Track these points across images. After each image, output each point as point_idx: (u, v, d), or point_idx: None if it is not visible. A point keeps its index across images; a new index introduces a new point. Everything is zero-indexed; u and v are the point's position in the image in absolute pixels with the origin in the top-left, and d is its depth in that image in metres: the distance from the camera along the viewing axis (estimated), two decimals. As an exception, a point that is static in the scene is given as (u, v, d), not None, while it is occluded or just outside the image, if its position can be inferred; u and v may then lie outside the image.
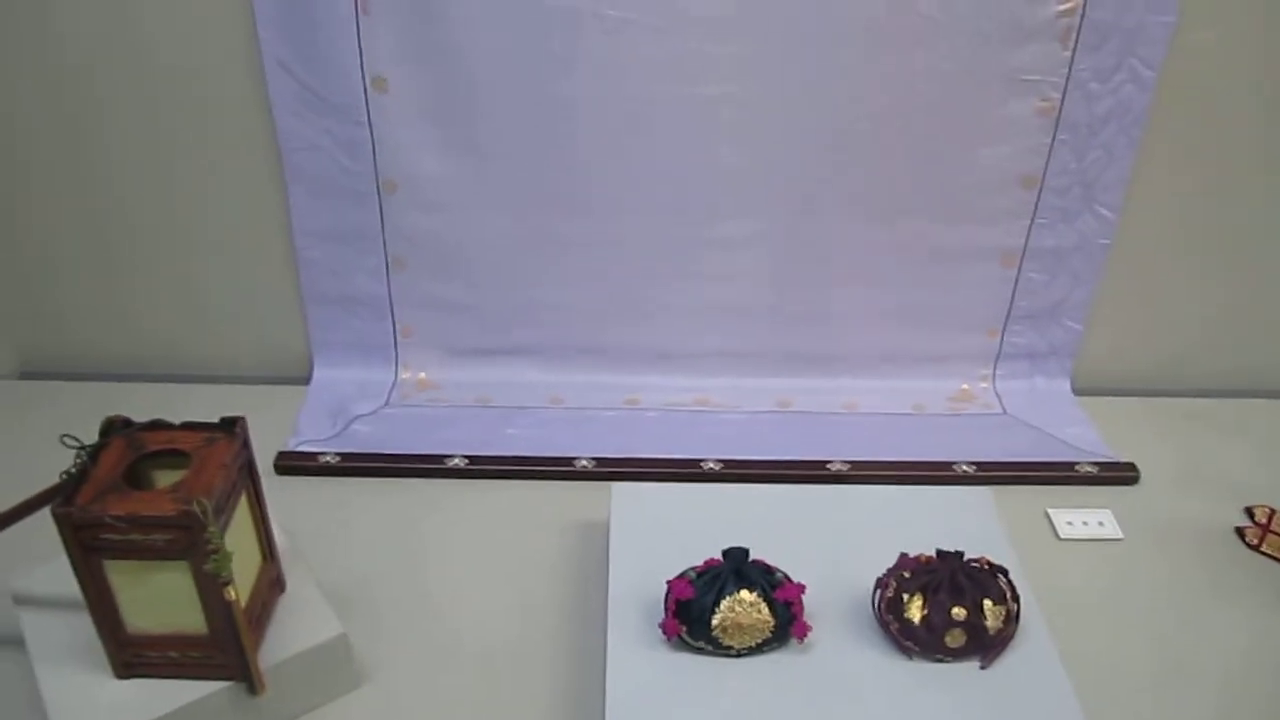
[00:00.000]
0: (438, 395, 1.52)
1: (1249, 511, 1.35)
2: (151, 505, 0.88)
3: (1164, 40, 1.29)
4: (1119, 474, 1.40)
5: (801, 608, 1.03)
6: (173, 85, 1.35)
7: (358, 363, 1.53)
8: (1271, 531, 1.31)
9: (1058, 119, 1.35)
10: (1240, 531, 1.32)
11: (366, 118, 1.34)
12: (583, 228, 1.43)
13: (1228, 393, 1.58)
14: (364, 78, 1.31)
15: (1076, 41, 1.30)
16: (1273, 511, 1.32)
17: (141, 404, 1.02)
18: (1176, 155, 1.40)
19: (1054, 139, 1.37)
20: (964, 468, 1.38)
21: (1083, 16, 1.28)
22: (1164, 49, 1.30)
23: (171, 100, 1.36)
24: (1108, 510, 1.34)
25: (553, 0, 1.25)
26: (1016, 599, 1.05)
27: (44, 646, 1.00)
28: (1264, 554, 1.29)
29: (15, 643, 1.03)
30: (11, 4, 1.29)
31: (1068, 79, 1.32)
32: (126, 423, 0.97)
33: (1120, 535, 1.31)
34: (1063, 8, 1.28)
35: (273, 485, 1.31)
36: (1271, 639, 1.16)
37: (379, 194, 1.40)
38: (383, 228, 1.43)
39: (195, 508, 0.86)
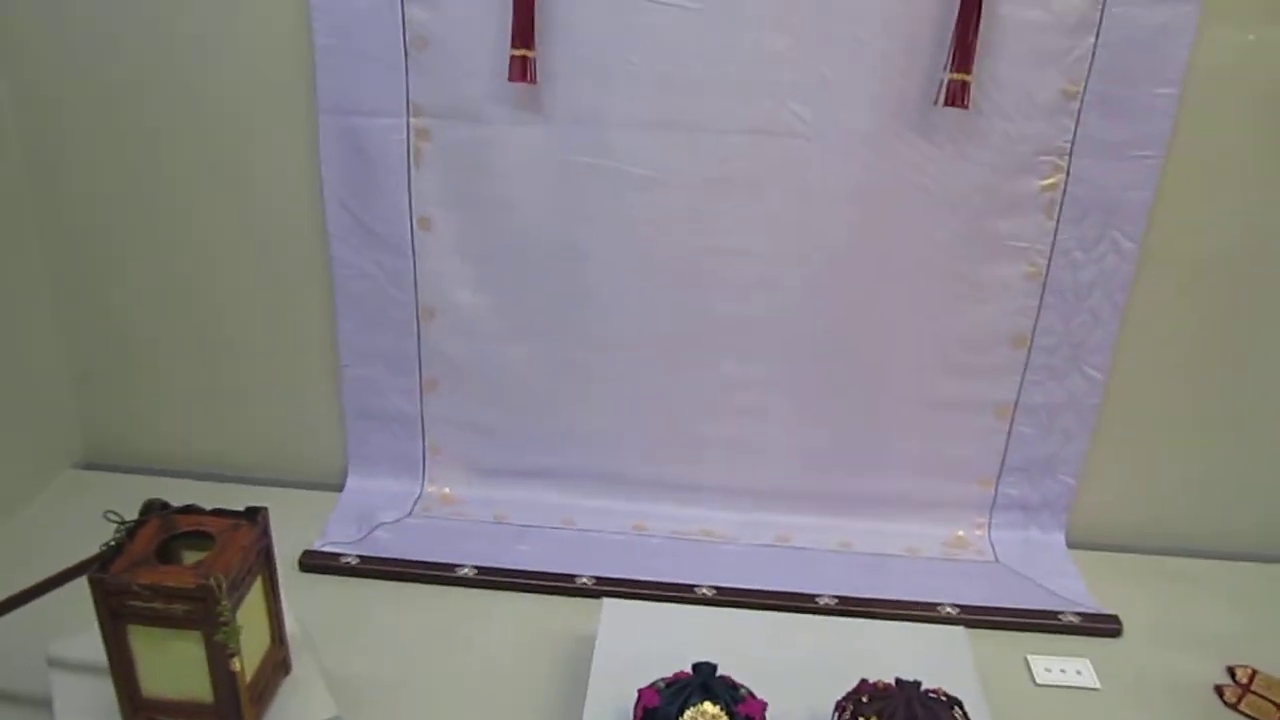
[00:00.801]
0: (458, 510, 1.62)
1: (1230, 671, 1.37)
2: (175, 578, 0.99)
3: (1143, 215, 1.40)
4: (1101, 625, 1.43)
5: (762, 724, 1.09)
6: (244, 215, 1.53)
7: (388, 475, 1.64)
8: (1251, 692, 1.32)
9: (1044, 283, 1.45)
10: (1219, 690, 1.34)
11: (411, 252, 1.49)
12: (601, 362, 1.55)
13: (1217, 554, 1.60)
14: (411, 217, 1.47)
15: (1060, 213, 1.41)
16: (1254, 672, 1.34)
17: (189, 498, 1.13)
18: (1161, 322, 1.48)
19: (1041, 302, 1.46)
20: (948, 609, 1.43)
21: (1065, 191, 1.40)
22: (1143, 223, 1.40)
23: (242, 228, 1.54)
24: (1086, 660, 1.37)
25: (581, 158, 1.41)
26: (971, 730, 1.09)
27: (69, 707, 1.10)
28: (1242, 713, 1.31)
29: (46, 704, 1.13)
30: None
31: (1053, 247, 1.43)
32: (164, 505, 1.09)
33: (1097, 685, 1.33)
34: (1045, 183, 1.39)
35: (297, 581, 1.45)
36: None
37: (418, 321, 1.54)
38: (419, 352, 1.57)
39: (212, 582, 0.97)
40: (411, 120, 1.42)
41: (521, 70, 1.34)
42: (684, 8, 1.32)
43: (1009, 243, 1.43)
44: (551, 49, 1.35)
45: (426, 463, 1.65)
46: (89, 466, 1.73)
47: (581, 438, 1.61)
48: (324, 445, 1.67)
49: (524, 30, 1.32)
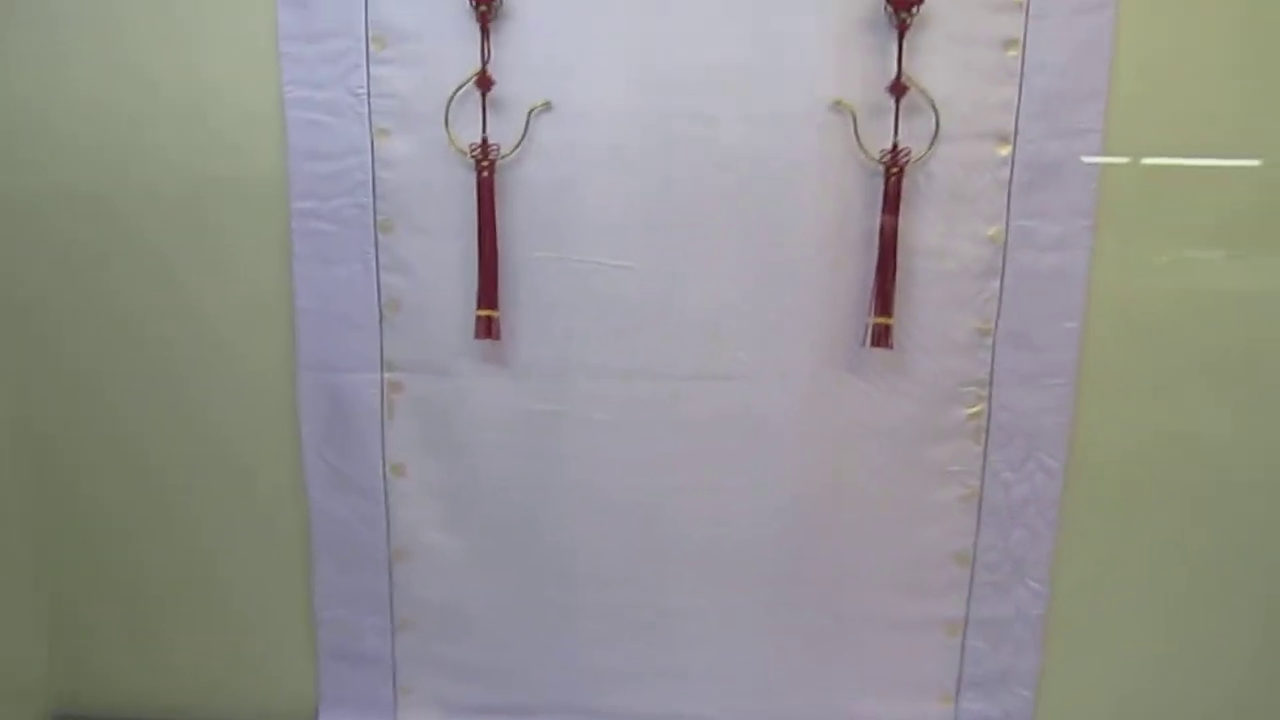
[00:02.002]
0: (430, 751, 1.63)
1: None
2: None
3: (1063, 436, 1.52)
4: (1070, 842, 1.45)
5: None
6: (224, 464, 1.62)
7: (360, 716, 1.65)
8: None
9: (980, 504, 1.55)
10: None
11: (384, 497, 1.58)
12: (570, 599, 1.61)
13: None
14: (385, 465, 1.56)
15: (987, 439, 1.53)
16: None
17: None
18: (1095, 532, 1.57)
19: (979, 521, 1.56)
20: (919, 831, 1.45)
21: (989, 418, 1.52)
22: (1064, 443, 1.52)
23: (222, 477, 1.62)
24: None
25: (544, 406, 1.52)
26: None
27: None
28: None
29: None
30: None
31: (984, 470, 1.54)
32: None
33: None
34: (971, 411, 1.52)
35: None
36: None
37: (391, 563, 1.61)
38: (391, 593, 1.62)
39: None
40: (385, 375, 1.54)
41: (487, 329, 1.47)
42: (632, 268, 1.47)
43: (944, 468, 1.54)
44: (514, 308, 1.49)
45: (398, 704, 1.66)
46: (59, 716, 1.73)
47: (550, 673, 1.65)
48: (296, 687, 1.69)
49: (489, 293, 1.46)
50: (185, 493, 1.64)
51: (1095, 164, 1.44)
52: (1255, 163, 1.47)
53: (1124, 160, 1.46)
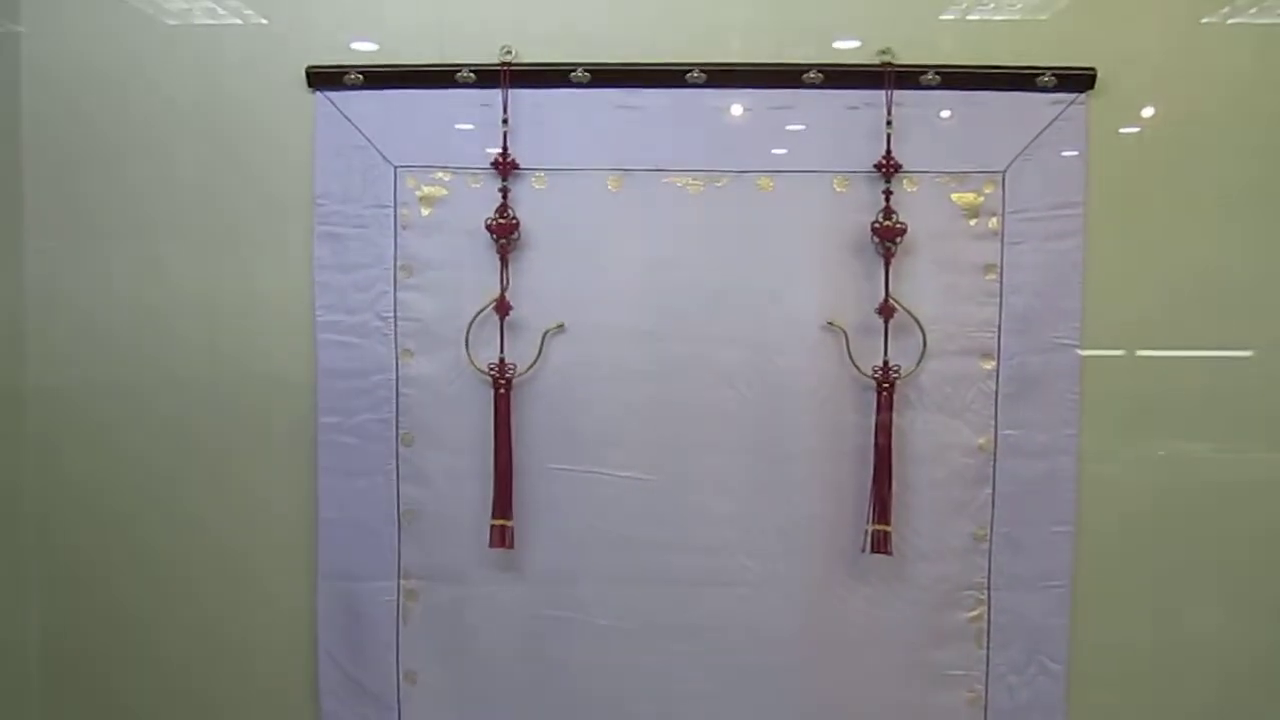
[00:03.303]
0: None
1: None
2: None
3: (1063, 638, 1.56)
4: None
5: None
6: (239, 668, 1.65)
7: None
8: None
9: (985, 707, 1.57)
10: None
11: (397, 704, 1.60)
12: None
13: None
14: (398, 672, 1.59)
15: (988, 642, 1.56)
16: None
17: None
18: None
19: (986, 724, 1.58)
20: None
21: (989, 621, 1.56)
22: (1065, 645, 1.56)
23: (234, 684, 1.65)
24: None
25: (553, 612, 1.57)
26: None
27: None
28: None
29: None
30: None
31: (987, 673, 1.57)
32: None
33: None
34: (971, 615, 1.56)
35: None
36: None
37: (402, 769, 1.62)
38: (404, 801, 1.62)
39: None
40: (402, 582, 1.59)
41: (500, 538, 1.53)
42: (640, 480, 1.55)
43: (946, 671, 1.57)
44: (527, 518, 1.55)
45: None
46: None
47: None
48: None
49: (503, 503, 1.53)
50: (202, 703, 1.66)
51: (1076, 375, 1.54)
52: (1246, 353, 1.57)
53: (1105, 362, 1.55)
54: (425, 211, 1.55)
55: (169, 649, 1.65)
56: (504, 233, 1.52)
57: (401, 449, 1.57)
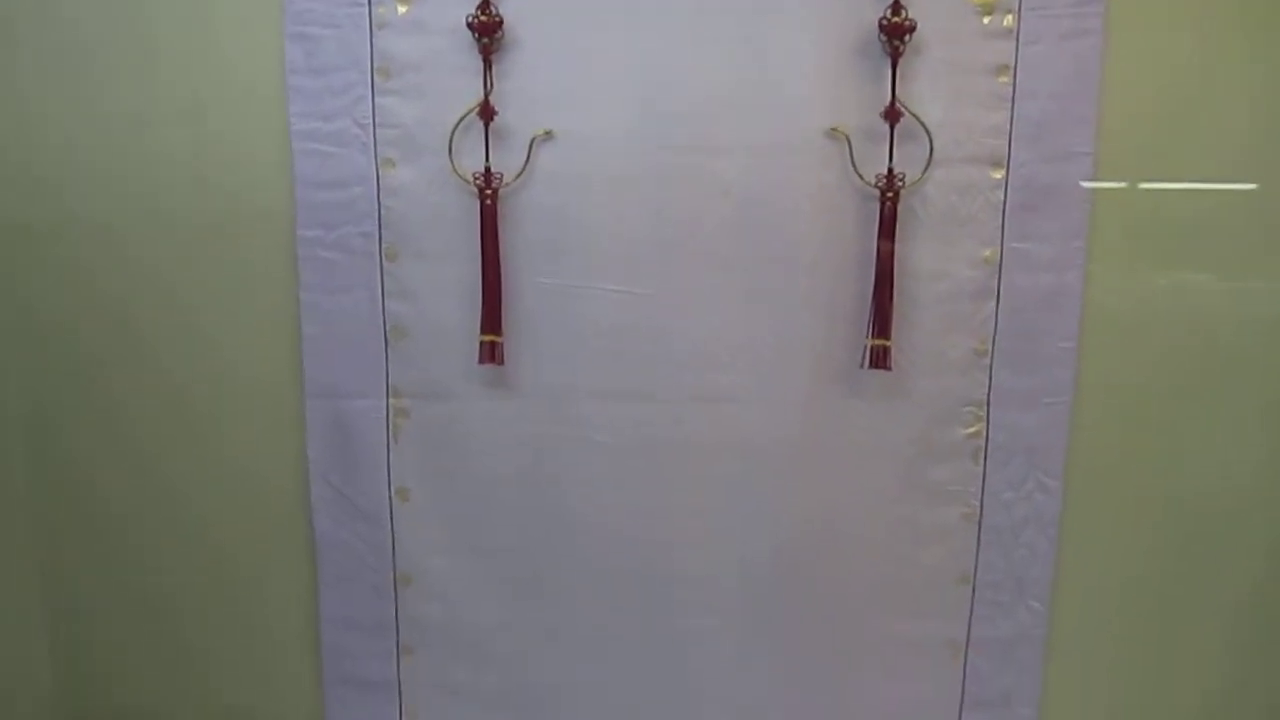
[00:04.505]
0: (435, 775, 1.64)
1: None
2: None
3: (1060, 455, 1.54)
4: None
5: None
6: (229, 491, 1.64)
7: (366, 742, 1.67)
8: None
9: (980, 523, 1.56)
10: None
11: (390, 522, 1.59)
12: (572, 621, 1.62)
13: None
14: (390, 490, 1.58)
15: (986, 459, 1.54)
16: None
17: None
18: (1095, 552, 1.59)
19: (979, 541, 1.57)
20: None
21: (987, 438, 1.54)
22: (1062, 461, 1.54)
23: (224, 501, 1.64)
24: None
25: (546, 429, 1.54)
26: None
27: None
28: None
29: None
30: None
31: (983, 490, 1.55)
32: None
33: None
34: (969, 431, 1.53)
35: None
36: None
37: (396, 587, 1.62)
38: (397, 618, 1.63)
39: None
40: (391, 400, 1.55)
41: (490, 353, 1.49)
42: (633, 293, 1.50)
43: (943, 488, 1.55)
44: (516, 333, 1.51)
45: (404, 728, 1.68)
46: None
47: (555, 696, 1.65)
48: (302, 712, 1.69)
49: (492, 318, 1.49)
50: (192, 518, 1.65)
51: (1088, 186, 1.47)
52: (1250, 186, 1.50)
53: (1117, 184, 1.49)
54: (402, 9, 1.45)
55: (158, 467, 1.64)
56: (487, 31, 1.42)
57: (385, 263, 1.51)
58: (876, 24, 1.42)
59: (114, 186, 1.56)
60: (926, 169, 1.45)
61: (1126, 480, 1.58)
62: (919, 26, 1.41)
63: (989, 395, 1.53)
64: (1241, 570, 1.60)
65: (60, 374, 1.63)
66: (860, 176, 1.45)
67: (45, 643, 1.71)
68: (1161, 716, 1.66)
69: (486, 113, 1.44)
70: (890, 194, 1.45)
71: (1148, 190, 1.50)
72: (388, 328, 1.53)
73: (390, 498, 1.58)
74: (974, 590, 1.59)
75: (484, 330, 1.49)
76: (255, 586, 1.67)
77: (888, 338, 1.47)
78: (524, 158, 1.46)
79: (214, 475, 1.63)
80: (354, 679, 1.66)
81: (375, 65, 1.46)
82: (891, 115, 1.43)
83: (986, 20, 1.44)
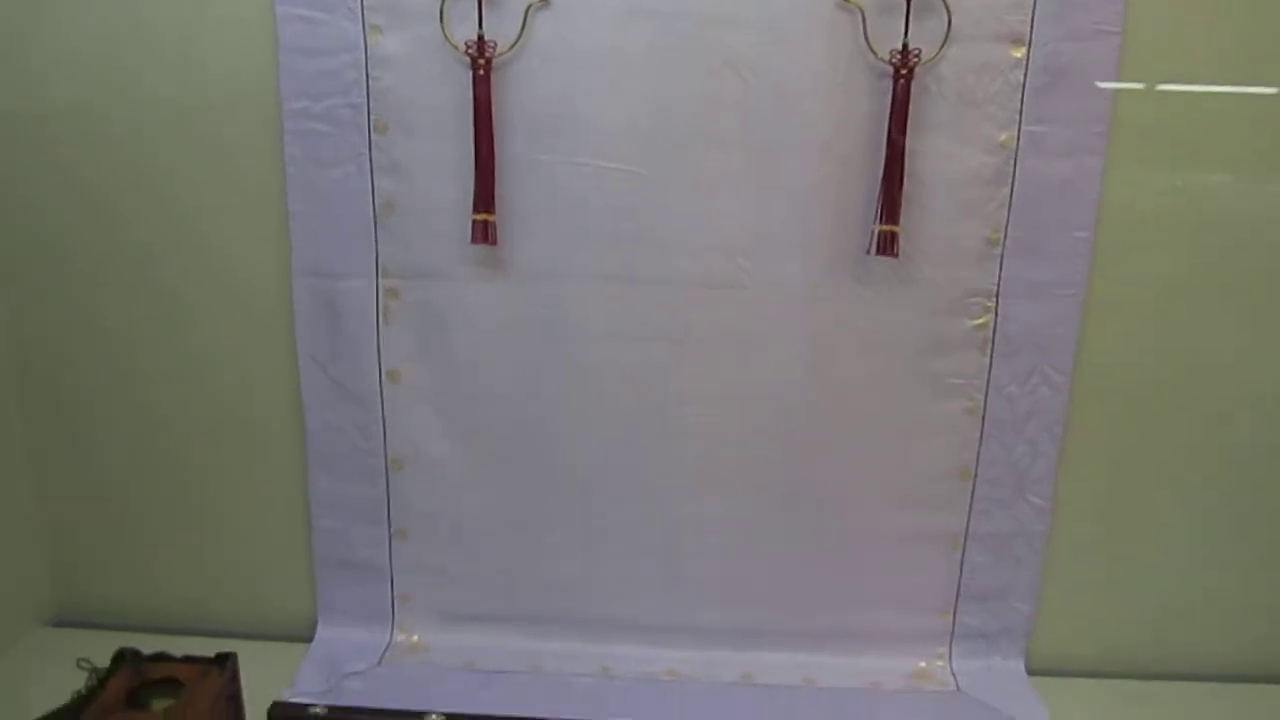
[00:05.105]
0: (427, 658, 1.63)
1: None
2: (144, 727, 1.02)
3: (1070, 348, 1.49)
4: (1062, 750, 1.46)
5: None
6: (217, 372, 1.60)
7: (357, 624, 1.66)
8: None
9: (984, 417, 1.53)
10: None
11: (380, 405, 1.56)
12: (566, 507, 1.60)
13: (1178, 676, 1.64)
14: (381, 372, 1.54)
15: (992, 350, 1.50)
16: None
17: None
18: (1098, 449, 1.56)
19: (982, 435, 1.54)
20: (909, 740, 1.45)
21: (995, 330, 1.49)
22: (1071, 356, 1.49)
23: (215, 385, 1.61)
24: (1048, 786, 1.39)
25: (541, 312, 1.50)
26: None
27: None
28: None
29: None
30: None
31: (988, 383, 1.51)
32: (135, 654, 1.12)
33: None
34: (976, 322, 1.49)
35: None
36: None
37: (387, 471, 1.59)
38: (389, 502, 1.61)
39: (180, 730, 1.00)
40: (381, 280, 1.51)
41: (483, 233, 1.43)
42: (633, 173, 1.43)
43: (947, 380, 1.51)
44: (511, 212, 1.45)
45: (396, 611, 1.67)
46: (59, 623, 1.73)
47: (548, 581, 1.65)
48: (294, 596, 1.69)
49: (485, 196, 1.43)
50: (179, 401, 1.62)
51: (1112, 68, 1.39)
52: (1271, 90, 1.43)
53: (1138, 84, 1.41)
54: None
55: (142, 350, 1.61)
56: (480, -113, 1.34)
57: (374, 136, 1.44)
58: (895, -113, 1.32)
59: (92, 64, 1.48)
60: (943, 46, 1.37)
61: (1136, 378, 1.53)
62: (940, -109, 1.32)
63: (999, 286, 1.47)
64: (1249, 470, 1.57)
65: (38, 259, 1.58)
66: (874, 52, 1.37)
67: (33, 535, 1.70)
68: (1160, 614, 1.65)
69: (479, -25, 1.36)
70: (904, 71, 1.37)
71: (1168, 91, 1.43)
72: (377, 205, 1.47)
73: (380, 380, 1.55)
74: (974, 485, 1.56)
75: (476, 208, 1.43)
76: (245, 471, 1.65)
77: (896, 223, 1.41)
78: (519, 26, 1.38)
79: (199, 359, 1.60)
80: (346, 562, 1.65)
81: (361, -76, 1.38)
82: (908, -14, 1.35)
83: (1013, -119, 1.34)
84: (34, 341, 1.62)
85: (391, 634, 1.67)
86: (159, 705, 1.07)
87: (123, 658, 1.10)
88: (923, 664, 1.63)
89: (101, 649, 1.15)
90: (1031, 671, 1.63)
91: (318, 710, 1.48)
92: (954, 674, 1.62)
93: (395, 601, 1.66)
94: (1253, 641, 1.65)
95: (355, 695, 1.52)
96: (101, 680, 1.06)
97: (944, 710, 1.55)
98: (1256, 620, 1.64)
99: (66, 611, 1.74)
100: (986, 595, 1.61)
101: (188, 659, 1.11)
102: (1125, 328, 1.51)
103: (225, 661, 1.11)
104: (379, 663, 1.62)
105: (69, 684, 1.06)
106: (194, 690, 1.06)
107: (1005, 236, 1.45)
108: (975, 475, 1.56)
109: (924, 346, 1.50)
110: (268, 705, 1.46)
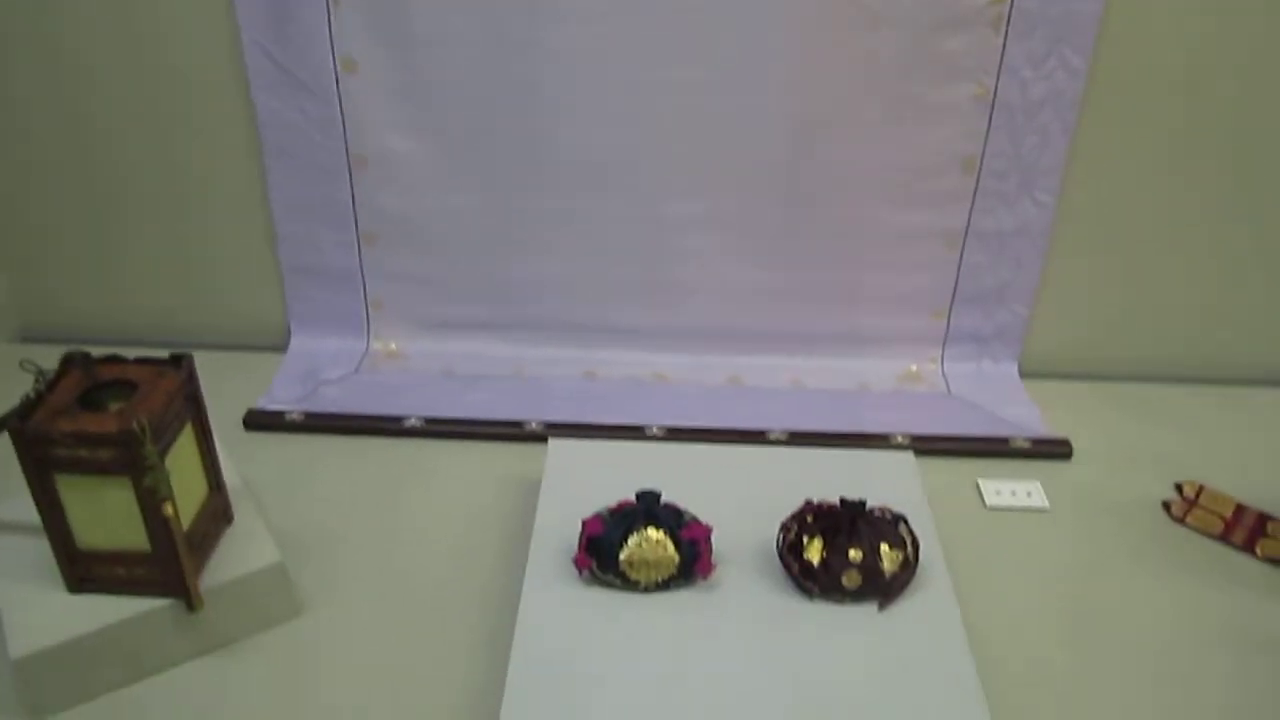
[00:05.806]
0: (405, 365, 1.60)
1: (1178, 487, 1.38)
2: (97, 424, 0.97)
3: (1091, 29, 1.35)
4: (1053, 449, 1.44)
5: (708, 547, 1.09)
6: (160, 69, 1.45)
7: (332, 333, 1.61)
8: (1198, 506, 1.34)
9: (993, 103, 1.41)
10: (1166, 505, 1.36)
11: (337, 96, 1.43)
12: (544, 206, 1.51)
13: (1169, 378, 1.61)
14: (334, 59, 1.40)
15: (1007, 29, 1.36)
16: (1201, 487, 1.36)
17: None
18: (1112, 142, 1.44)
19: (990, 124, 1.42)
20: (899, 439, 1.43)
21: (1012, 5, 1.34)
22: (1092, 37, 1.35)
23: (160, 84, 1.46)
24: (1037, 482, 1.38)
25: (510, -14, 1.34)
26: (915, 545, 1.10)
27: (6, 565, 1.09)
28: (1188, 526, 1.32)
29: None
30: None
31: (1001, 65, 1.38)
32: (85, 356, 1.06)
33: (1046, 505, 1.35)
34: (993, -4, 1.34)
35: (241, 439, 1.43)
36: (1185, 607, 1.20)
37: (350, 171, 1.49)
38: (354, 203, 1.51)
39: (135, 426, 0.95)
40: (327, -49, 1.34)
41: (438, -110, 1.26)
42: None
43: (956, 62, 1.38)
44: None
45: (370, 318, 1.61)
46: (25, 339, 1.68)
47: (528, 286, 1.58)
48: (264, 306, 1.63)
49: None
50: (122, 104, 1.48)
51: None
52: None
53: None
54: None
55: (84, 45, 1.44)
56: None
57: None
58: None
59: None
60: None
61: (1159, 70, 1.40)
62: None
63: (1019, -46, 1.31)
64: (1262, 181, 1.47)
65: None
66: None
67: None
68: (1155, 324, 1.60)
69: None
70: None
71: None
72: None
73: (335, 68, 1.41)
74: (978, 179, 1.46)
75: None
76: (201, 174, 1.53)
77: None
78: None
79: (137, 42, 1.44)
80: (313, 270, 1.58)
81: None
82: None
83: None
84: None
85: (367, 342, 1.62)
86: (114, 407, 1.01)
87: (71, 360, 1.04)
88: (914, 366, 1.60)
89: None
90: (1025, 375, 1.60)
91: (294, 416, 1.46)
92: (945, 376, 1.59)
93: (369, 309, 1.61)
94: (1250, 342, 1.61)
95: (332, 402, 1.50)
96: (50, 383, 1.00)
97: (931, 410, 1.52)
98: (1257, 321, 1.59)
99: (35, 326, 1.69)
100: (983, 297, 1.55)
101: (141, 360, 1.05)
102: (1148, 12, 1.36)
103: (180, 362, 1.05)
104: (356, 370, 1.58)
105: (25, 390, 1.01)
106: (148, 390, 1.01)
107: (1030, -102, 1.28)
108: (980, 167, 1.45)
109: (933, 23, 1.35)
110: (243, 414, 1.45)
